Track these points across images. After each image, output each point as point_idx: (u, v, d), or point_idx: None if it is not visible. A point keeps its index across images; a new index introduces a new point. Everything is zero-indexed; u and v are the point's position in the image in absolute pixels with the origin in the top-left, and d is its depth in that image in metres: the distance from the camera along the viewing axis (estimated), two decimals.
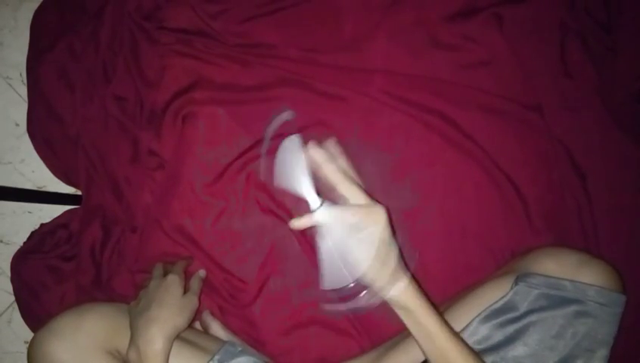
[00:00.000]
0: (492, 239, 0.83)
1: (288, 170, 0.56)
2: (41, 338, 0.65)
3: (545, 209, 0.82)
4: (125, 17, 0.91)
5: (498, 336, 0.63)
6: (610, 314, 0.60)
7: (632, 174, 0.82)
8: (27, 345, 0.69)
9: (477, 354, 0.57)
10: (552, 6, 0.85)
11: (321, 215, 0.54)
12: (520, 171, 0.83)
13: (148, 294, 0.72)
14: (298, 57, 0.89)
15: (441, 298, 0.81)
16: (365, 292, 0.57)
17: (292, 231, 0.83)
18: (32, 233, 0.98)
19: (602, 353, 0.60)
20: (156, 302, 0.70)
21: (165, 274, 0.78)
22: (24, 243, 0.97)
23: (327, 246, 0.55)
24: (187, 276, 0.80)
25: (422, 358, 0.60)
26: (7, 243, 1.05)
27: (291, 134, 0.57)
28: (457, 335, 0.57)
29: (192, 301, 0.74)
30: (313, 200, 0.55)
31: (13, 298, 0.98)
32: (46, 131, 0.97)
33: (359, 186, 0.56)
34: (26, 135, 0.99)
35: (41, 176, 1.04)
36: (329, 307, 0.62)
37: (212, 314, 0.86)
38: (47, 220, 0.98)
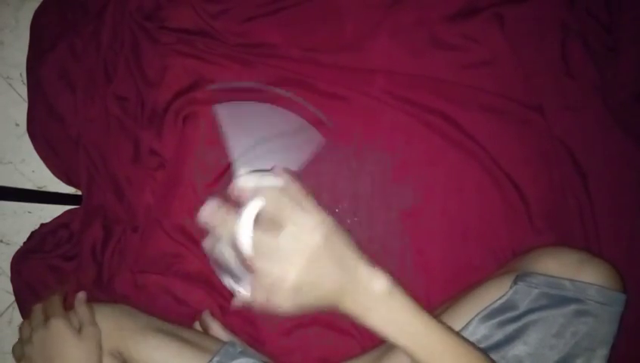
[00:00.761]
0: (493, 239, 0.82)
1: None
2: None
3: (546, 209, 0.82)
4: (126, 17, 0.91)
5: (498, 335, 0.63)
6: (610, 313, 0.60)
7: (634, 173, 0.82)
8: None
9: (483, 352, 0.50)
10: (553, 6, 0.85)
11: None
12: (521, 171, 0.83)
13: (38, 353, 0.64)
14: (299, 56, 0.89)
15: (442, 298, 0.81)
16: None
17: None
18: (33, 233, 0.97)
19: (602, 352, 0.60)
20: (59, 361, 0.63)
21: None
22: (24, 242, 0.97)
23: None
24: (189, 278, 0.79)
25: None
26: (8, 243, 1.05)
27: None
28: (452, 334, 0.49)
29: (91, 334, 0.66)
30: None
31: (13, 298, 0.98)
32: (46, 131, 0.97)
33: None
34: (27, 135, 0.99)
35: (41, 176, 1.04)
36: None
37: (213, 314, 0.85)
38: (47, 220, 0.98)
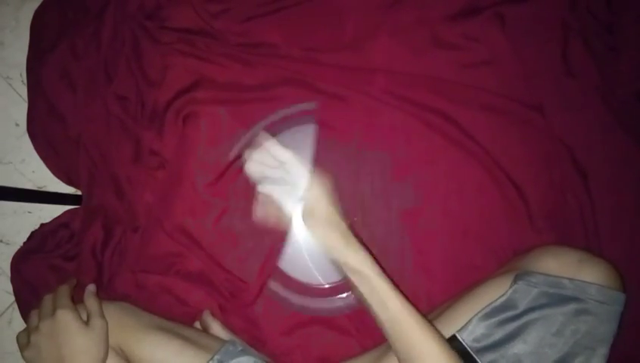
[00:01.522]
0: (494, 238, 0.83)
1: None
2: None
3: (546, 209, 0.82)
4: (126, 17, 0.92)
5: (498, 334, 0.63)
6: (610, 312, 0.60)
7: (634, 173, 0.82)
8: None
9: (430, 322, 0.61)
10: (554, 5, 0.85)
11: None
12: (521, 170, 0.83)
13: (45, 342, 0.65)
14: (299, 56, 0.89)
15: (442, 297, 0.81)
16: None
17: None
18: (33, 233, 0.97)
19: (602, 351, 0.60)
20: (67, 350, 0.64)
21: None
22: (24, 242, 0.97)
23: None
24: (188, 276, 0.79)
25: None
26: (8, 243, 1.05)
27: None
28: (410, 302, 0.61)
29: (99, 325, 0.67)
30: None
31: (13, 298, 0.98)
32: (47, 131, 0.97)
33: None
34: (27, 135, 0.99)
35: (41, 176, 1.04)
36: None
37: (213, 313, 0.85)
38: (47, 220, 0.98)
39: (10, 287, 0.97)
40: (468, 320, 0.65)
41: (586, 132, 0.83)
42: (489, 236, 0.83)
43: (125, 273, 0.88)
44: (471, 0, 0.87)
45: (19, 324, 1.03)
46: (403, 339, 0.60)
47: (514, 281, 0.65)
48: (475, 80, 0.85)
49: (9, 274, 0.96)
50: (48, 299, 0.69)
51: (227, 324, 0.85)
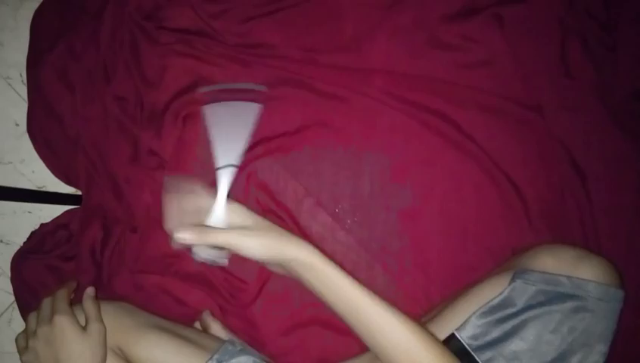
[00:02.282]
0: (492, 239, 0.83)
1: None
2: None
3: (544, 209, 0.82)
4: (125, 17, 0.92)
5: (496, 332, 0.63)
6: (608, 309, 0.60)
7: (632, 174, 0.82)
8: None
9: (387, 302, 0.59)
10: (552, 6, 0.85)
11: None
12: (519, 171, 0.83)
13: (42, 347, 0.65)
14: (298, 57, 0.89)
15: (440, 297, 0.81)
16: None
17: (292, 230, 0.83)
18: (32, 233, 0.97)
19: (600, 348, 0.60)
20: (63, 356, 0.64)
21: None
22: (24, 243, 0.97)
23: None
24: (186, 278, 0.79)
25: None
26: (7, 243, 1.05)
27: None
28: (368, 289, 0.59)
29: (96, 330, 0.67)
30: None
31: (13, 298, 0.98)
32: (46, 132, 0.98)
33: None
34: (26, 135, 0.99)
35: (41, 176, 1.04)
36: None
37: (213, 314, 0.85)
38: (47, 220, 0.98)
39: (10, 287, 0.97)
40: (466, 318, 0.65)
41: (584, 132, 0.83)
42: (488, 236, 0.83)
43: (123, 273, 0.88)
44: (469, 1, 0.87)
45: (19, 324, 1.03)
46: (372, 327, 0.58)
47: (512, 279, 0.65)
48: (473, 81, 0.86)
49: (9, 274, 0.96)
50: (46, 303, 0.69)
51: (226, 324, 0.85)
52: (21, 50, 1.00)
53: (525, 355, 0.61)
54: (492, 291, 0.65)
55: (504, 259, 0.81)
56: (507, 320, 0.63)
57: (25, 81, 1.00)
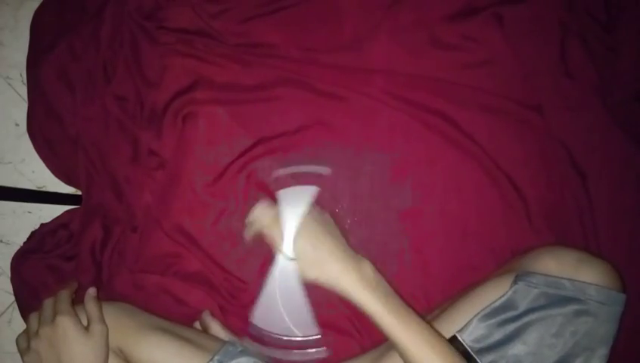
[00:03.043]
0: (493, 239, 0.83)
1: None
2: None
3: (545, 209, 0.82)
4: (125, 17, 0.91)
5: (498, 334, 0.63)
6: (610, 313, 0.60)
7: (633, 173, 0.82)
8: None
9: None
10: (552, 6, 0.85)
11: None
12: (520, 171, 0.83)
13: (44, 348, 0.65)
14: (298, 56, 0.89)
15: (441, 297, 0.81)
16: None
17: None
18: (33, 233, 0.97)
19: (602, 352, 0.60)
20: (66, 357, 0.64)
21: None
22: (24, 242, 0.97)
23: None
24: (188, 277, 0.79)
25: None
26: (7, 243, 1.05)
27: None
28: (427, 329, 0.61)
29: (98, 331, 0.66)
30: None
31: (13, 298, 0.98)
32: (46, 131, 0.97)
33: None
34: (26, 135, 0.99)
35: (41, 176, 1.04)
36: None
37: (213, 314, 0.85)
38: (47, 220, 0.98)
39: (10, 287, 0.97)
40: (468, 320, 0.65)
41: (585, 132, 0.83)
42: (488, 236, 0.83)
43: (123, 273, 0.88)
44: (470, 1, 0.87)
45: (19, 324, 1.03)
46: None
47: (514, 282, 0.65)
48: (474, 80, 0.85)
49: (9, 274, 0.96)
50: (48, 304, 0.69)
51: (226, 324, 0.85)
52: (21, 50, 1.00)
53: (527, 358, 0.61)
54: (493, 293, 0.65)
55: (505, 259, 0.81)
56: (510, 323, 0.63)
57: (25, 81, 1.00)
